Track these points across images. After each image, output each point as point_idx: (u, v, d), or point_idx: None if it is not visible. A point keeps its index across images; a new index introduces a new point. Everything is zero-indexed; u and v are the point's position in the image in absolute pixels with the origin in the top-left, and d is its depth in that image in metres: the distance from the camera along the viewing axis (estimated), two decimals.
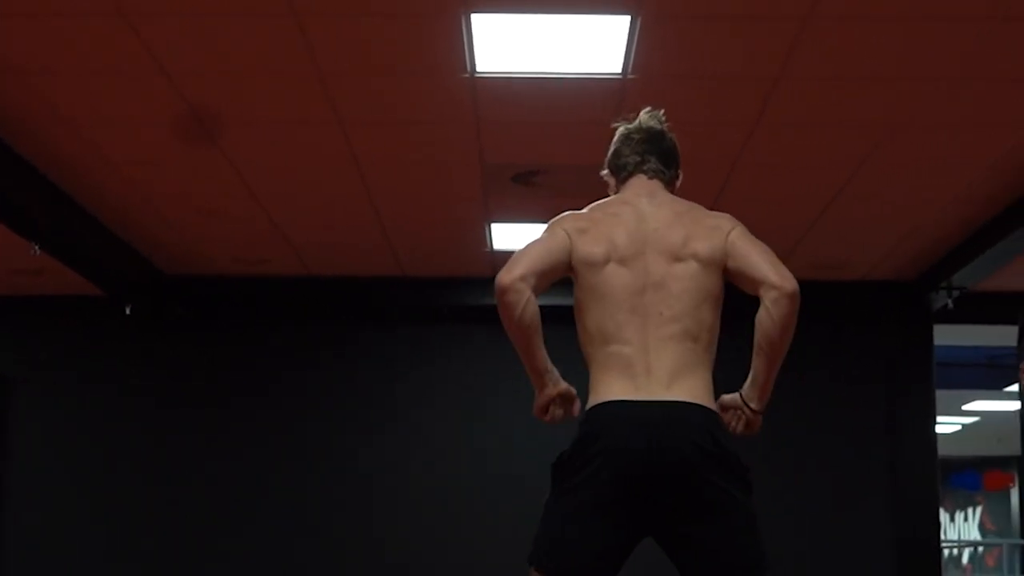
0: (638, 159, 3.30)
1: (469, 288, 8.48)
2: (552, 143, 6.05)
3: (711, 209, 3.29)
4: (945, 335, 9.08)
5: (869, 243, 7.77)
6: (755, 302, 3.11)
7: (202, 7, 4.71)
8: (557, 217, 3.23)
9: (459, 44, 4.95)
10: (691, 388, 3.04)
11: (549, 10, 4.78)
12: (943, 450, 9.42)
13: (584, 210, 3.26)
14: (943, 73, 5.17)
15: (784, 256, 3.27)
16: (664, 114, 3.38)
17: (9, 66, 5.18)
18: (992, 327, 8.89)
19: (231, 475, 8.68)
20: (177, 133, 5.93)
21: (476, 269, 8.21)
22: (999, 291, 8.27)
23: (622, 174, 3.32)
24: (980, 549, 19.51)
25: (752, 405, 3.18)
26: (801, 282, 3.13)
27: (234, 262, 8.32)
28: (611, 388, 3.05)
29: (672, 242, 3.12)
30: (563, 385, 3.16)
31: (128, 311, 8.43)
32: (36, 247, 6.97)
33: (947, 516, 20.31)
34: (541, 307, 3.07)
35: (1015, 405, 7.20)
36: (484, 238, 7.65)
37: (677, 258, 3.11)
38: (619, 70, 5.12)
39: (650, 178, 3.29)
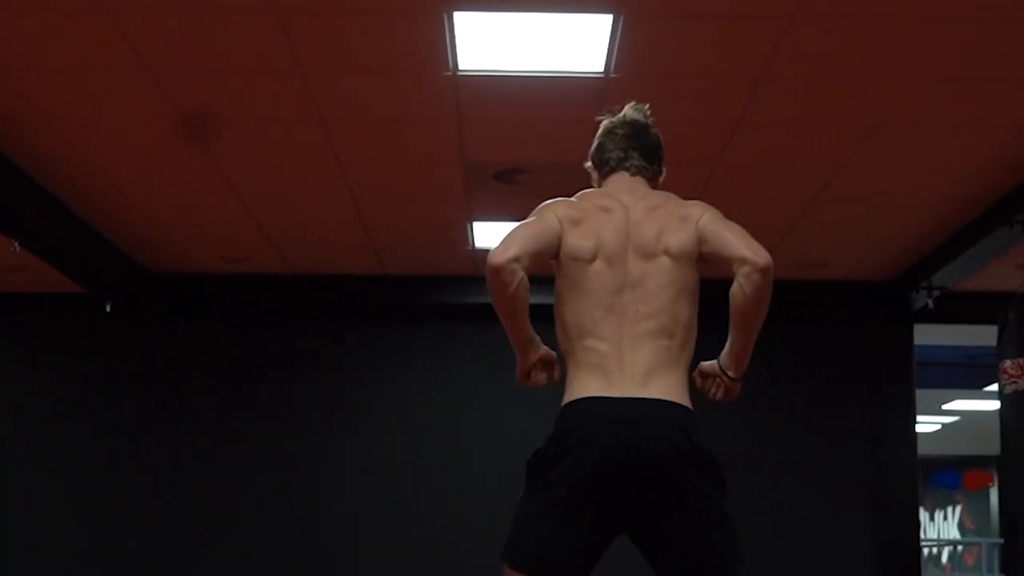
0: (621, 155, 3.30)
1: (451, 286, 8.49)
2: (535, 142, 6.05)
3: None
4: (925, 335, 9.11)
5: (851, 243, 7.79)
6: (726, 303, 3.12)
7: (185, 5, 4.69)
8: (548, 202, 3.23)
9: (441, 42, 4.94)
10: (665, 386, 3.04)
11: (531, 8, 4.78)
12: (923, 449, 9.44)
13: (574, 198, 3.25)
14: (926, 74, 5.19)
15: None
16: (649, 108, 3.38)
17: None
18: (972, 327, 8.92)
19: (213, 474, 8.66)
20: (159, 130, 5.92)
21: (458, 267, 8.21)
22: (979, 291, 8.30)
23: (605, 169, 3.33)
24: (959, 548, 19.59)
25: (730, 373, 3.21)
26: (782, 281, 3.16)
27: (216, 260, 8.30)
28: (586, 385, 3.05)
29: (647, 239, 3.13)
30: (544, 349, 3.20)
31: (109, 308, 8.39)
32: (16, 244, 6.94)
33: (927, 515, 20.38)
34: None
35: (995, 404, 7.22)
36: (466, 236, 7.65)
37: (652, 254, 3.12)
38: (601, 69, 5.12)
39: (632, 175, 3.30)
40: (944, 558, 19.73)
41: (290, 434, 8.74)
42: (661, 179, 3.37)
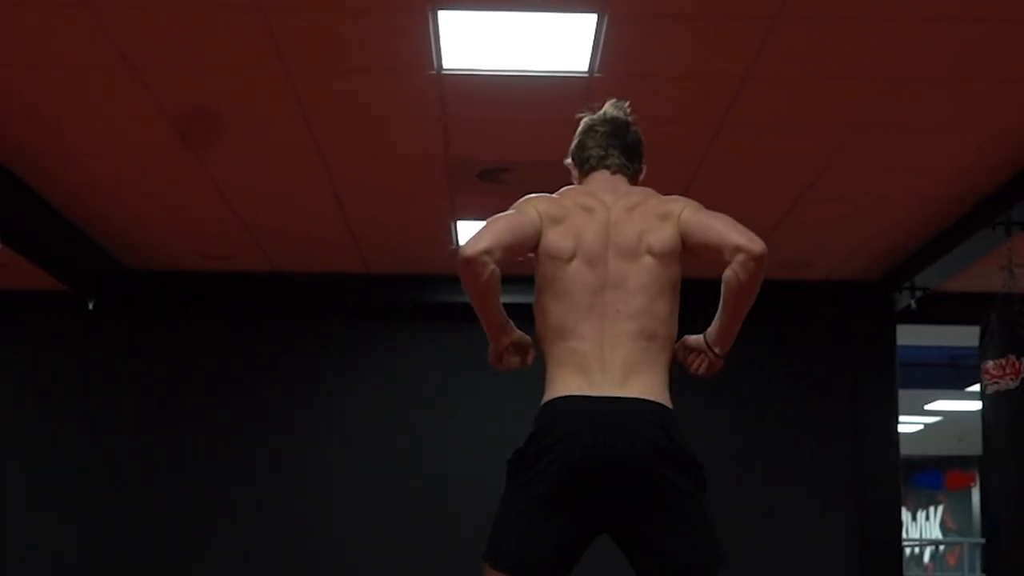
0: (601, 153, 3.30)
1: (434, 285, 8.48)
2: (519, 141, 6.05)
3: None
4: (908, 335, 9.13)
5: (834, 243, 7.80)
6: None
7: (171, 3, 4.68)
8: (531, 196, 3.23)
9: (426, 41, 4.94)
10: (645, 385, 3.04)
11: (516, 8, 4.78)
12: (905, 449, 9.47)
13: (556, 195, 3.24)
14: (909, 74, 5.20)
15: None
16: (629, 106, 3.37)
17: None
18: (955, 327, 8.93)
19: (198, 473, 8.63)
20: (144, 128, 5.90)
21: (441, 266, 8.18)
22: (962, 292, 8.32)
23: (585, 166, 3.33)
24: (941, 548, 19.63)
25: (716, 349, 3.22)
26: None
27: (199, 257, 8.28)
28: (565, 384, 3.05)
29: (628, 238, 3.13)
30: (517, 334, 3.22)
31: (91, 306, 8.37)
32: None
33: (909, 515, 20.42)
34: (505, 304, 3.09)
35: (977, 405, 7.23)
36: (450, 235, 7.65)
37: (634, 254, 3.12)
38: (586, 68, 5.12)
39: (613, 173, 3.29)
40: (926, 558, 19.77)
41: (274, 433, 8.72)
42: (642, 176, 3.37)
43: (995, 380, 6.79)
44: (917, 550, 19.60)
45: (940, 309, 8.56)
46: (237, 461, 8.67)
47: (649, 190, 3.27)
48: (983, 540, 12.45)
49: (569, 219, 3.15)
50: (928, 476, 20.16)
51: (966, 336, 7.73)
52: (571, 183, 3.37)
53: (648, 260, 3.12)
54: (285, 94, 5.46)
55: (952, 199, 6.83)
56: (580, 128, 3.38)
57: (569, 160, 3.39)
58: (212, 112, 5.75)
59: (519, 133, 5.96)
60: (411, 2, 4.66)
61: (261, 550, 8.57)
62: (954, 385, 12.47)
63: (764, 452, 8.69)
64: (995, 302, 6.87)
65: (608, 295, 3.08)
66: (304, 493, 8.65)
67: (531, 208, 3.18)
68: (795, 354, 8.64)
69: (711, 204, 3.26)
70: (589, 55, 5.03)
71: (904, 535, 10.80)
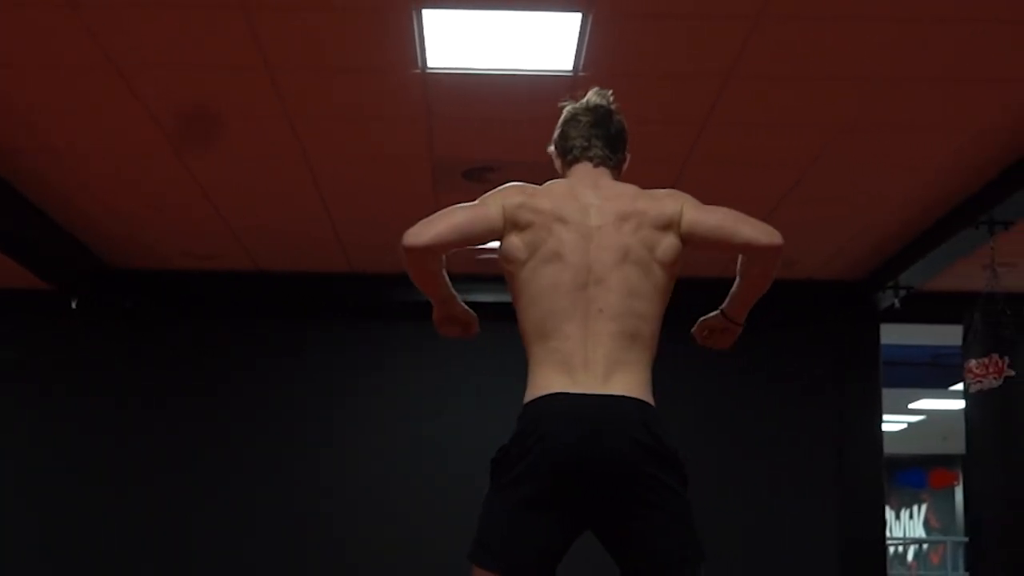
0: (584, 144, 3.27)
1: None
2: (504, 140, 6.04)
3: None
4: (892, 334, 9.15)
5: (818, 242, 7.82)
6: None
7: (153, 0, 4.67)
8: (505, 188, 3.20)
9: (410, 40, 4.93)
10: (628, 383, 3.04)
11: (500, 7, 4.78)
12: (889, 448, 9.49)
13: (536, 191, 3.19)
14: (893, 74, 5.21)
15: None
16: (612, 94, 3.35)
17: None
18: (938, 327, 8.96)
19: (181, 473, 8.61)
20: (126, 126, 5.89)
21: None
22: (945, 291, 8.34)
23: (568, 157, 3.30)
24: (925, 546, 19.67)
25: (739, 320, 3.33)
26: None
27: (183, 256, 8.26)
28: (548, 382, 3.04)
29: (617, 240, 3.10)
30: (459, 308, 3.29)
31: (74, 305, 8.34)
32: None
33: (892, 514, 20.47)
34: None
35: (960, 404, 7.26)
36: None
37: (622, 256, 3.09)
38: (570, 67, 5.12)
39: (595, 165, 3.27)
40: (910, 556, 19.81)
41: (258, 433, 8.71)
42: (625, 166, 3.35)
43: (978, 379, 6.81)
44: (901, 549, 19.65)
45: (923, 308, 8.59)
46: (223, 460, 8.65)
47: (636, 189, 3.23)
48: (966, 539, 12.49)
49: (540, 224, 3.10)
50: (912, 475, 20.21)
51: (949, 335, 7.75)
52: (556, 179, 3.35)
53: (638, 262, 3.10)
54: (269, 93, 5.45)
55: (935, 199, 6.84)
56: (563, 117, 3.35)
57: (552, 148, 3.36)
58: (200, 112, 5.74)
59: (504, 132, 5.96)
60: (395, 1, 4.65)
61: (248, 547, 8.55)
62: (937, 384, 12.50)
63: (747, 450, 8.70)
64: (978, 301, 6.89)
65: (591, 291, 3.07)
66: (290, 492, 8.63)
67: (496, 204, 3.14)
68: (779, 353, 8.65)
69: None
70: (573, 54, 5.03)
71: (888, 534, 10.81)
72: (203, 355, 8.83)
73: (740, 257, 3.22)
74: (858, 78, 5.28)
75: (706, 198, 3.25)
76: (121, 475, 8.59)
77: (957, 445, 7.54)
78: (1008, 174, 6.29)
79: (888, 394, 9.26)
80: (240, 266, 8.50)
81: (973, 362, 6.84)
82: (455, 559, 3.18)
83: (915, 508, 20.83)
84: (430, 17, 4.78)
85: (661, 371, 3.15)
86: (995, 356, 6.74)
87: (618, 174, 3.31)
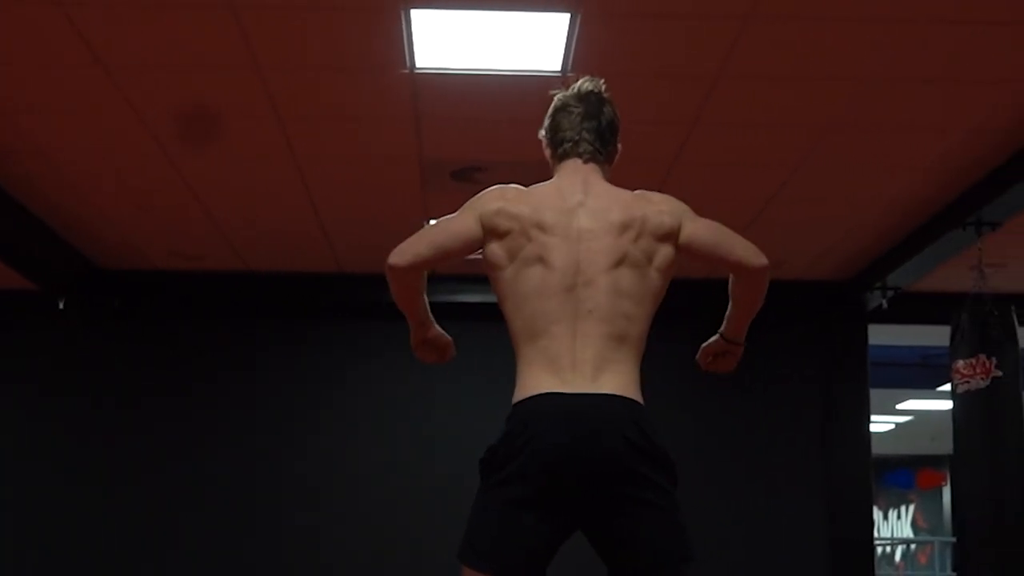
0: (575, 138, 3.24)
1: None
2: (492, 140, 6.04)
3: None
4: (879, 335, 9.17)
5: (806, 243, 7.83)
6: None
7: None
8: (483, 195, 3.19)
9: (398, 40, 4.93)
10: (617, 382, 3.03)
11: (489, 7, 4.78)
12: (877, 448, 9.50)
13: (521, 193, 3.18)
14: (881, 75, 5.22)
15: None
16: (604, 83, 3.34)
17: None
18: (926, 327, 8.98)
19: (168, 473, 8.59)
20: (113, 125, 5.88)
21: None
22: (933, 292, 8.36)
23: (559, 150, 3.27)
24: (912, 547, 19.70)
25: (739, 341, 3.40)
26: None
27: (171, 256, 8.24)
28: (537, 382, 3.04)
29: (614, 244, 3.09)
30: (434, 331, 3.32)
31: (61, 305, 8.32)
32: None
33: (880, 514, 20.50)
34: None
35: (948, 404, 7.27)
36: None
37: (618, 259, 3.08)
38: (559, 67, 5.12)
39: (585, 161, 3.25)
40: (897, 557, 19.85)
41: (246, 433, 8.69)
42: (617, 157, 3.33)
43: (965, 380, 6.82)
44: (888, 549, 19.68)
45: (911, 309, 8.61)
46: (210, 461, 8.63)
47: (630, 194, 3.20)
48: (954, 539, 12.51)
49: (519, 230, 3.09)
50: (899, 475, 20.24)
51: (937, 336, 7.77)
52: (545, 179, 3.32)
53: (630, 266, 3.09)
54: (258, 93, 5.44)
55: (923, 199, 6.86)
56: (554, 105, 3.32)
57: (543, 136, 3.33)
58: (189, 113, 5.73)
59: (492, 132, 5.96)
60: (383, 1, 4.65)
61: (236, 549, 8.53)
62: (925, 384, 12.53)
63: (736, 451, 8.70)
64: (965, 302, 6.91)
65: (580, 292, 3.06)
66: (279, 492, 8.62)
67: (472, 217, 3.14)
68: (767, 353, 8.64)
69: (685, 202, 3.25)
70: (562, 54, 5.04)
71: (876, 534, 10.83)
72: (191, 355, 8.81)
73: (731, 280, 3.25)
74: (846, 79, 5.29)
75: (696, 198, 3.25)
76: (109, 476, 8.57)
77: (945, 445, 7.56)
78: (995, 175, 6.31)
79: (876, 394, 9.28)
80: (229, 266, 8.48)
81: (960, 363, 6.86)
82: (447, 559, 3.17)
83: (903, 508, 20.86)
84: (419, 17, 4.78)
85: (649, 371, 3.15)
86: (982, 357, 6.76)
87: (609, 167, 3.29)
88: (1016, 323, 6.83)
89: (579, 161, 3.25)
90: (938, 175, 6.45)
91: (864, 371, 8.94)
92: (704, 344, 3.43)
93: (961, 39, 4.88)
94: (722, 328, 3.39)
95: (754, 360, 8.66)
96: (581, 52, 4.97)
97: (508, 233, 3.11)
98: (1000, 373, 6.71)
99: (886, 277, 8.06)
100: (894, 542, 19.93)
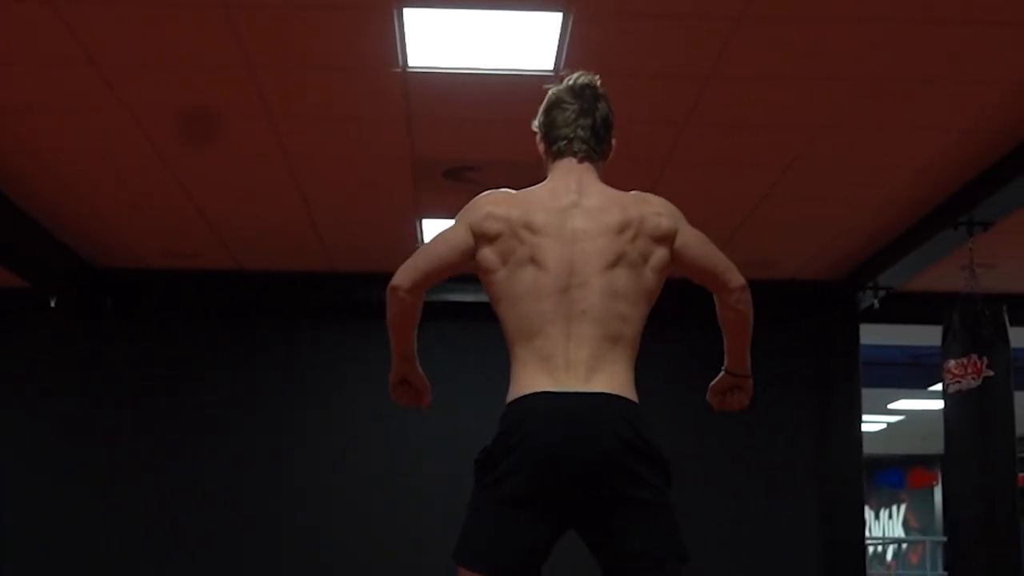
0: (570, 136, 3.23)
1: None
2: (484, 139, 6.05)
3: None
4: (871, 335, 9.18)
5: (798, 243, 7.84)
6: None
7: None
8: (472, 203, 3.19)
9: (391, 39, 4.93)
10: (611, 381, 3.03)
11: (481, 6, 4.78)
12: (868, 448, 9.52)
13: (513, 197, 3.18)
14: (873, 75, 5.23)
15: None
16: (599, 79, 3.32)
17: None
18: (917, 327, 9.00)
19: (161, 474, 8.58)
20: (105, 124, 5.87)
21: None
22: (924, 292, 8.38)
23: (553, 148, 3.26)
24: (904, 546, 19.75)
25: (744, 372, 3.44)
26: None
27: (163, 255, 8.24)
28: (531, 381, 3.04)
29: (611, 245, 3.09)
30: (417, 373, 3.34)
31: (54, 304, 8.30)
32: None
33: (872, 513, 20.54)
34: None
35: (939, 404, 7.28)
36: (415, 234, 7.64)
37: (615, 259, 3.08)
38: (551, 67, 5.13)
39: (580, 161, 3.24)
40: (889, 556, 19.89)
41: (239, 432, 8.68)
42: (611, 153, 3.32)
43: (957, 379, 6.83)
44: (880, 548, 19.73)
45: (903, 309, 8.62)
46: (202, 460, 8.62)
47: (625, 195, 3.20)
48: (945, 538, 12.54)
49: (509, 233, 3.10)
50: (891, 475, 20.29)
51: (928, 335, 7.78)
52: (539, 181, 3.31)
53: (624, 268, 3.09)
54: (250, 92, 5.44)
55: (914, 199, 6.87)
56: (548, 99, 3.29)
57: (537, 129, 3.31)
58: (182, 112, 5.72)
59: (485, 132, 5.96)
60: (376, 1, 4.65)
61: (229, 551, 8.52)
62: (916, 384, 12.55)
63: (727, 450, 8.71)
64: (957, 302, 6.91)
65: (574, 293, 3.06)
66: (270, 492, 8.61)
67: (463, 226, 3.15)
68: (759, 353, 8.52)
69: (677, 203, 3.26)
70: (555, 54, 5.04)
71: (867, 533, 10.84)
72: (184, 355, 8.81)
73: (717, 308, 3.25)
74: (839, 79, 5.29)
75: (689, 198, 3.26)
76: (101, 475, 8.55)
77: (936, 445, 7.56)
78: (987, 175, 6.32)
79: (867, 394, 9.28)
80: (221, 265, 8.47)
81: (952, 362, 6.87)
82: (441, 559, 3.17)
83: (894, 508, 20.90)
84: (411, 16, 4.78)
85: (642, 371, 3.15)
86: (974, 356, 6.77)
87: (604, 164, 3.29)
88: (1007, 323, 6.83)
89: (573, 160, 3.24)
90: (930, 175, 6.46)
91: (856, 371, 8.95)
92: (711, 384, 3.44)
93: (954, 40, 4.89)
94: (725, 363, 3.40)
95: None
96: (573, 52, 4.97)
97: (498, 236, 3.11)
98: (991, 373, 6.72)
99: (878, 277, 8.08)
100: (885, 541, 19.97)
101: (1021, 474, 7.31)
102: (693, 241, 3.20)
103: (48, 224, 7.46)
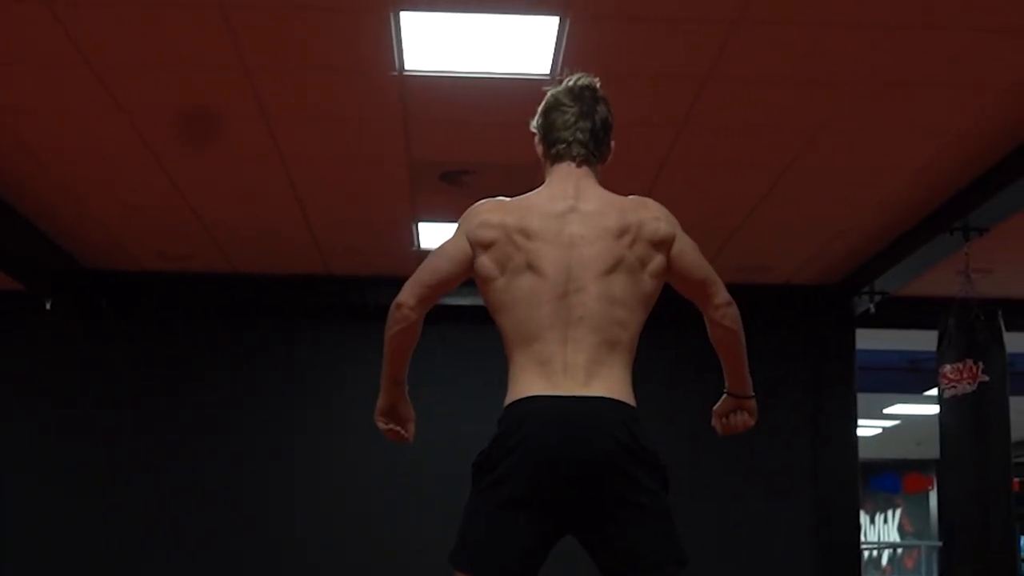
0: (569, 139, 3.22)
1: (395, 287, 8.33)
2: (481, 143, 6.04)
3: None
4: (867, 339, 9.18)
5: (794, 247, 7.84)
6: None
7: None
8: (468, 212, 3.19)
9: (388, 42, 4.92)
10: (608, 385, 3.03)
11: (478, 10, 4.78)
12: (864, 453, 9.52)
13: (509, 205, 3.17)
14: (868, 78, 5.23)
15: (710, 258, 3.33)
16: (599, 81, 3.31)
17: None
18: (913, 332, 9.00)
19: (156, 476, 8.56)
20: (100, 125, 5.86)
21: (402, 268, 8.07)
22: (920, 296, 8.38)
23: (551, 151, 3.25)
24: (899, 551, 19.73)
25: (745, 393, 3.39)
26: (726, 285, 3.21)
27: (158, 257, 8.22)
28: (529, 385, 3.04)
29: (609, 250, 3.09)
30: (405, 401, 3.31)
31: (48, 306, 8.29)
32: None
33: (867, 518, 20.52)
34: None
35: (935, 409, 7.28)
36: (411, 237, 7.63)
37: (613, 265, 3.08)
38: (548, 71, 5.12)
39: (578, 165, 3.24)
40: (884, 561, 19.87)
41: (238, 433, 8.67)
42: (610, 156, 3.32)
43: (952, 384, 6.83)
44: (875, 553, 19.71)
45: (898, 313, 8.62)
46: (201, 461, 8.60)
47: (624, 199, 3.20)
48: (941, 543, 12.54)
49: (504, 239, 3.10)
50: (886, 479, 20.27)
51: (924, 340, 7.78)
52: (535, 185, 3.30)
53: (621, 274, 3.09)
54: (246, 94, 5.43)
55: (910, 204, 6.87)
56: (547, 101, 3.28)
57: (535, 131, 3.30)
58: (177, 113, 5.72)
59: (481, 135, 5.95)
60: (373, 3, 4.65)
61: (224, 552, 8.51)
62: (912, 389, 12.54)
63: (723, 455, 8.68)
64: (953, 307, 6.91)
65: (572, 299, 3.06)
66: (266, 494, 8.60)
67: (460, 236, 3.16)
68: (754, 357, 8.54)
69: (673, 207, 3.26)
70: (551, 57, 5.04)
71: (862, 538, 10.85)
72: (178, 357, 8.79)
73: (708, 328, 3.26)
74: (835, 82, 5.29)
75: (685, 200, 3.27)
76: (95, 477, 8.54)
77: (931, 450, 7.57)
78: (982, 180, 6.33)
79: (863, 399, 9.29)
80: (216, 268, 8.46)
81: (947, 367, 6.87)
82: (441, 560, 3.17)
83: (889, 513, 20.89)
84: (408, 19, 4.77)
85: (638, 375, 3.14)
86: (969, 361, 6.77)
87: (602, 167, 3.28)
88: (1003, 328, 6.84)
89: (572, 165, 3.23)
90: (926, 180, 6.46)
91: (851, 375, 8.95)
92: (714, 408, 3.42)
93: (950, 45, 4.89)
94: (726, 385, 3.39)
95: None
96: (570, 55, 4.97)
97: (493, 243, 3.11)
98: (987, 378, 6.72)
99: (874, 281, 8.08)
100: (881, 546, 19.96)
101: (1016, 479, 7.31)
102: (688, 249, 3.20)
103: (42, 226, 7.45)
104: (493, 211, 3.16)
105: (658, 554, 3.01)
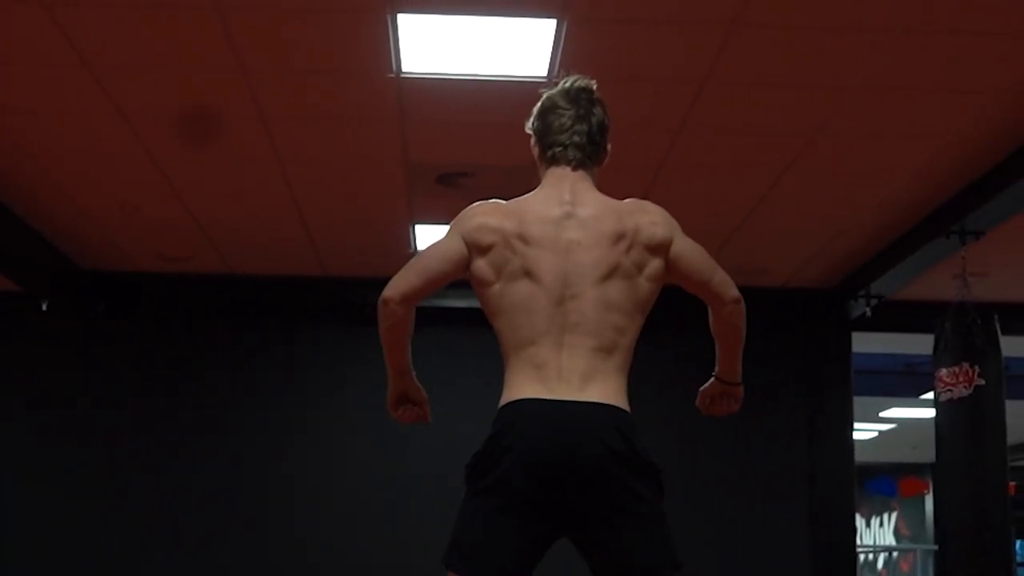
0: (565, 142, 3.21)
1: None
2: (478, 145, 6.04)
3: None
4: (863, 343, 9.18)
5: (790, 250, 7.84)
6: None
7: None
8: (465, 213, 3.18)
9: (385, 44, 4.92)
10: (603, 390, 3.03)
11: (476, 12, 4.78)
12: (860, 456, 9.52)
13: (506, 207, 3.17)
14: (867, 80, 5.23)
15: None
16: (595, 84, 3.30)
17: None
18: (909, 335, 9.00)
19: (155, 477, 8.55)
20: (97, 126, 5.86)
21: (399, 270, 8.15)
22: (916, 300, 8.38)
23: (547, 153, 3.24)
24: (895, 554, 19.74)
25: (734, 380, 3.42)
26: None
27: (155, 259, 8.22)
28: (523, 388, 3.04)
29: (605, 256, 3.09)
30: (415, 385, 3.29)
31: (45, 307, 8.29)
32: None
33: (863, 521, 20.53)
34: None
35: (931, 412, 7.29)
36: (408, 239, 7.63)
37: (610, 271, 3.08)
38: (545, 73, 5.12)
39: (574, 168, 3.23)
40: (880, 564, 19.88)
41: (237, 434, 8.66)
42: (607, 158, 3.31)
43: (948, 388, 6.84)
44: (871, 556, 19.72)
45: (895, 317, 8.62)
46: (199, 462, 8.59)
47: (620, 204, 3.19)
48: (936, 547, 12.54)
49: (502, 243, 3.09)
50: (882, 483, 20.27)
51: (920, 344, 7.78)
52: (532, 188, 3.30)
53: (618, 279, 3.08)
54: (243, 96, 5.43)
55: (907, 207, 6.88)
56: (543, 103, 3.27)
57: (531, 132, 3.29)
58: (173, 114, 5.72)
59: (478, 137, 5.95)
60: (370, 4, 4.65)
61: (220, 555, 8.50)
62: (908, 393, 12.54)
63: (719, 458, 8.71)
64: (949, 311, 6.92)
65: (568, 307, 3.05)
66: (265, 494, 8.59)
67: (455, 237, 3.14)
68: (751, 360, 8.52)
69: (670, 209, 3.25)
70: (549, 59, 5.04)
71: (858, 541, 10.85)
72: (175, 358, 8.79)
73: (710, 318, 3.27)
74: (832, 86, 5.30)
75: (683, 203, 3.26)
76: (94, 477, 8.53)
77: (927, 454, 7.57)
78: (979, 184, 6.33)
79: (859, 402, 9.29)
80: (213, 269, 8.46)
81: (943, 371, 6.87)
82: (434, 563, 3.17)
83: (885, 516, 20.90)
84: (405, 21, 4.77)
85: (634, 376, 3.15)
86: (965, 365, 6.77)
87: (599, 170, 3.28)
88: (999, 332, 6.84)
89: (567, 168, 3.22)
90: (922, 183, 6.47)
91: (847, 379, 8.95)
92: (701, 388, 3.44)
93: (949, 47, 4.89)
94: (716, 369, 3.40)
95: None
96: (568, 58, 4.97)
97: (491, 247, 3.10)
98: (983, 382, 6.72)
99: (870, 285, 8.08)
100: (876, 550, 19.97)
101: (1012, 483, 7.32)
102: (688, 251, 3.18)
103: (38, 227, 7.44)
104: (491, 214, 3.15)
105: (651, 559, 3.01)
